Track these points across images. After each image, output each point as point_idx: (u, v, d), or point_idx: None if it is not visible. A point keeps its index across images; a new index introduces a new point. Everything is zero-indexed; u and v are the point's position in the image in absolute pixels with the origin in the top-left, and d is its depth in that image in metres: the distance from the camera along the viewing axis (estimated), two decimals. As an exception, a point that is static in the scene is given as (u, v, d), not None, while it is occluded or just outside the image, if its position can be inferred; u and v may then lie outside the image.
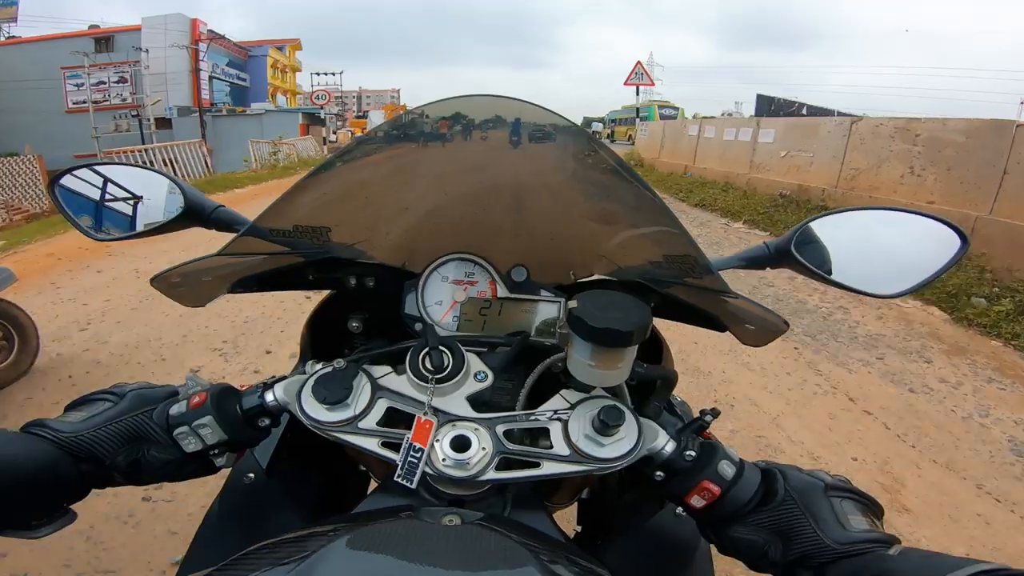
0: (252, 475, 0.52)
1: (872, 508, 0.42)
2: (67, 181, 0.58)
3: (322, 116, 26.10)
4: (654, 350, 0.62)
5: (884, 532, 0.39)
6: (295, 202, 0.50)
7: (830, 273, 0.54)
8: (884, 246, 0.56)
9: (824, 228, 0.56)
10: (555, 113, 0.48)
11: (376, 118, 27.96)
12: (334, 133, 25.30)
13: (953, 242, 0.53)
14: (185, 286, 0.54)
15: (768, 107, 34.76)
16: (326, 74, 36.44)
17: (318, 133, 24.36)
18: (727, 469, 0.42)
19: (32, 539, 0.39)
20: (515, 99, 0.47)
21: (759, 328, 0.54)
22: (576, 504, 0.68)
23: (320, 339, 0.62)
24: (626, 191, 0.51)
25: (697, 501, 0.42)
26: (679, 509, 0.47)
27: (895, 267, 0.55)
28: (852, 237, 0.55)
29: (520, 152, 0.54)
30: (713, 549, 0.47)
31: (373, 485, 0.66)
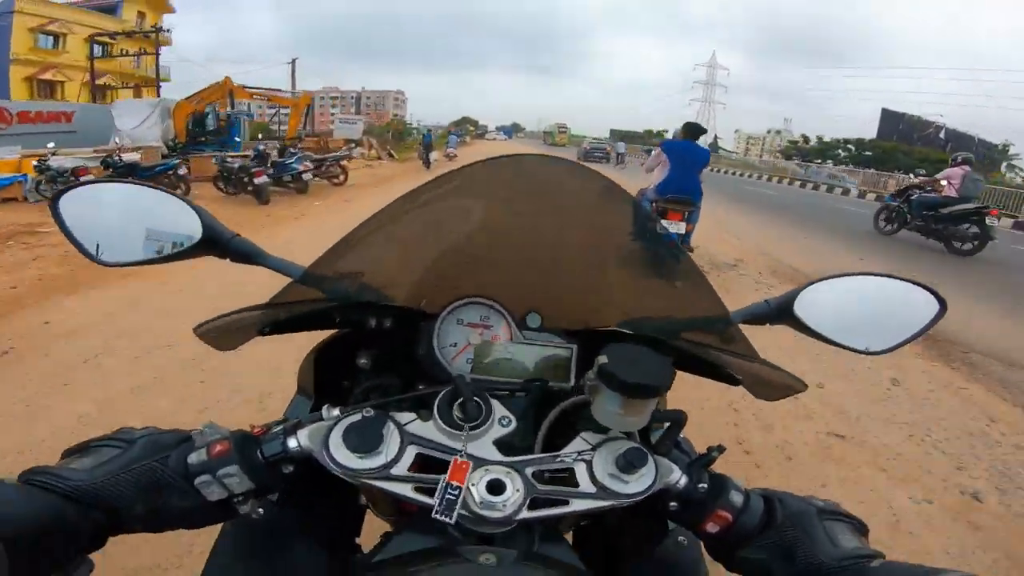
0: (261, 509, 0.52)
1: (859, 527, 0.50)
2: (71, 198, 0.57)
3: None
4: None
5: (870, 548, 0.47)
6: (342, 252, 0.58)
7: (825, 331, 0.62)
8: (873, 308, 0.64)
9: (820, 291, 0.64)
10: (586, 168, 0.59)
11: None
12: None
13: (933, 305, 0.62)
14: (222, 333, 0.58)
15: (896, 127, 32.22)
16: (137, 33, 20.81)
17: None
18: (736, 498, 0.50)
19: None
20: (539, 156, 0.59)
21: (775, 386, 0.61)
22: (572, 531, 0.73)
23: (325, 375, 0.66)
24: (653, 245, 0.58)
25: (712, 527, 0.50)
26: (681, 538, 0.59)
27: (883, 326, 0.64)
28: (845, 299, 0.64)
29: (541, 200, 0.63)
30: (714, 570, 0.57)
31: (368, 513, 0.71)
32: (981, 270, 6.47)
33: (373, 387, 0.65)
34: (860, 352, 0.63)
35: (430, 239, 0.68)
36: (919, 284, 0.62)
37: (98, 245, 0.58)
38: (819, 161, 36.48)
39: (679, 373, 0.59)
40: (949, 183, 7.59)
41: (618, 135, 63.87)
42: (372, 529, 0.64)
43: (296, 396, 0.70)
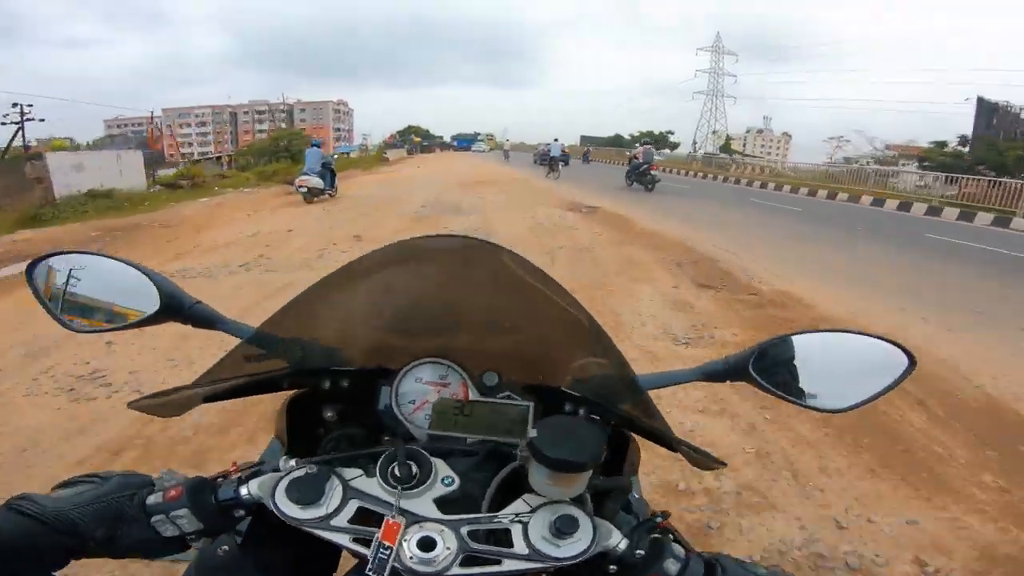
0: (226, 547, 0.57)
1: None
2: (43, 268, 0.65)
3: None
4: (621, 450, 0.71)
5: None
6: (293, 314, 0.63)
7: (785, 390, 0.63)
8: (836, 364, 0.64)
9: (779, 348, 0.65)
10: (520, 257, 0.63)
11: None
12: None
13: (902, 361, 0.62)
14: (164, 404, 0.62)
15: (989, 121, 26.08)
16: None
17: None
18: (671, 566, 0.51)
19: None
20: (478, 240, 0.64)
21: (701, 455, 0.63)
22: None
23: (296, 424, 0.71)
24: (568, 316, 0.63)
25: None
26: None
27: (846, 383, 0.64)
28: (806, 356, 0.64)
29: (485, 275, 0.69)
30: None
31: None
32: (653, 196, 14.28)
33: (340, 437, 0.69)
34: (822, 411, 0.65)
35: (384, 301, 0.73)
36: (886, 339, 0.63)
37: (67, 311, 0.64)
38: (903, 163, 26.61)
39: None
40: (639, 155, 15.83)
41: (589, 141, 60.88)
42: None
43: (273, 440, 0.76)
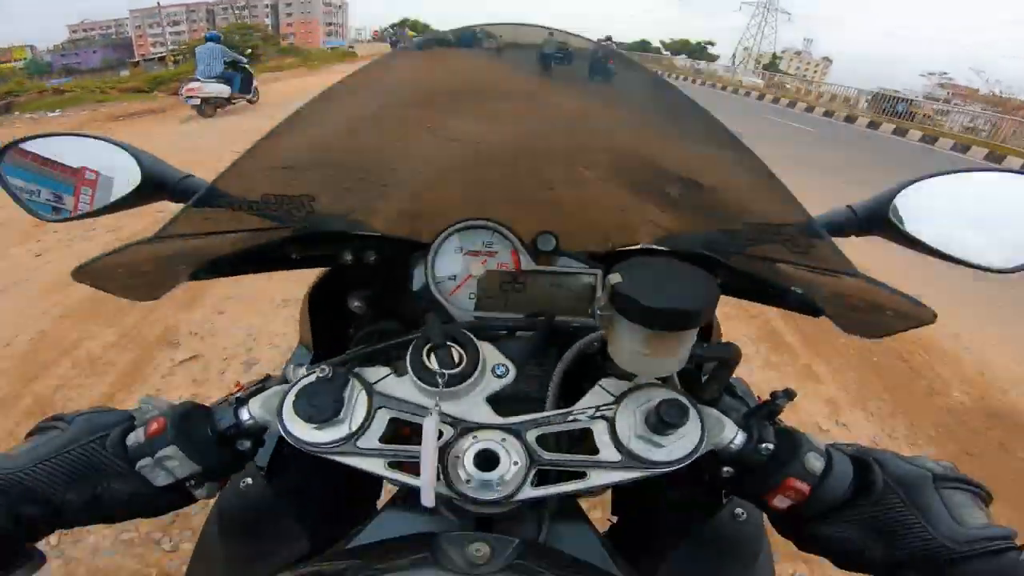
0: (250, 479, 0.50)
1: (982, 497, 0.41)
2: (11, 157, 0.55)
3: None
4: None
5: (1004, 527, 0.38)
6: (263, 161, 0.45)
7: (932, 241, 0.51)
8: (993, 214, 0.53)
9: (922, 192, 0.53)
10: (586, 39, 0.47)
11: None
12: None
13: None
14: (128, 276, 0.48)
15: None
16: None
17: None
18: (815, 462, 0.41)
19: None
20: (539, 26, 0.48)
21: (879, 315, 0.46)
22: (610, 491, 0.63)
23: (322, 321, 0.61)
24: (695, 132, 0.47)
25: (781, 501, 0.41)
26: (739, 509, 0.51)
27: (1007, 238, 0.53)
28: (955, 203, 0.54)
29: (546, 88, 0.51)
30: (777, 549, 0.50)
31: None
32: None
33: (371, 333, 0.58)
34: (981, 269, 0.52)
35: (410, 143, 0.57)
36: None
37: (42, 200, 0.56)
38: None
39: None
40: None
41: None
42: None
43: (298, 347, 0.64)
